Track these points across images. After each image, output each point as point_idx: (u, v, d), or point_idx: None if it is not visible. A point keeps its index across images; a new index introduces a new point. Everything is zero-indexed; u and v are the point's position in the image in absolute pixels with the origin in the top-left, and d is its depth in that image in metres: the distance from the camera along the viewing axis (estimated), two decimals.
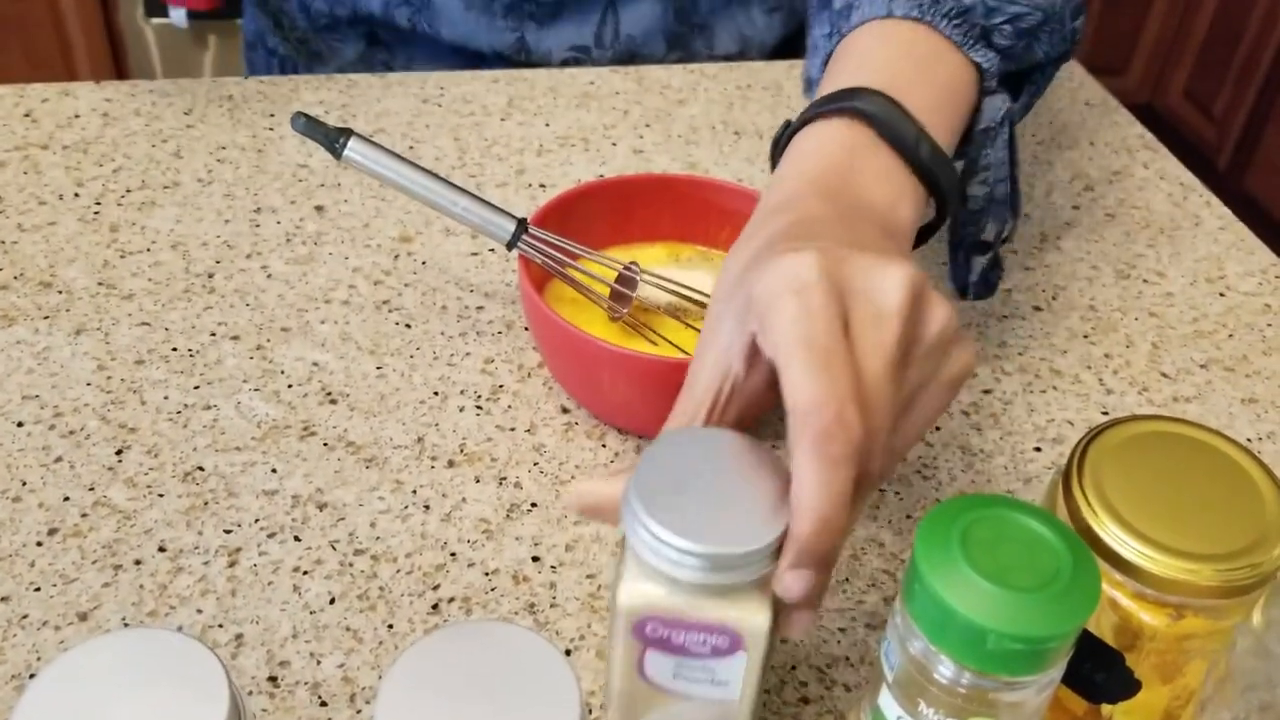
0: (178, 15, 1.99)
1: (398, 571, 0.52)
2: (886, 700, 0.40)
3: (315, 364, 0.63)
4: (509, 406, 0.61)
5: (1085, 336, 0.69)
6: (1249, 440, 0.63)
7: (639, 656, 0.40)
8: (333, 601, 0.51)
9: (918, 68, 0.51)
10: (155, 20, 2.02)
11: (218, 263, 0.69)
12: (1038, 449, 0.61)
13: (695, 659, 0.39)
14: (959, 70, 0.52)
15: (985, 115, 0.54)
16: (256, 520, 0.54)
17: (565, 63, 0.89)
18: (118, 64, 2.05)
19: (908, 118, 0.48)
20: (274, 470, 0.57)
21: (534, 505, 0.56)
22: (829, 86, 0.51)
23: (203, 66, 2.09)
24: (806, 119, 0.49)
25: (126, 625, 0.49)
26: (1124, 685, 0.44)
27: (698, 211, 0.65)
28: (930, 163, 0.48)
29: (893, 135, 0.47)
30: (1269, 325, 0.71)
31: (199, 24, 2.02)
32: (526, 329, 0.66)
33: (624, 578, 0.39)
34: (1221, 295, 0.73)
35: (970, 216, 0.56)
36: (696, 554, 0.36)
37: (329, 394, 0.61)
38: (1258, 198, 2.27)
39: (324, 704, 0.47)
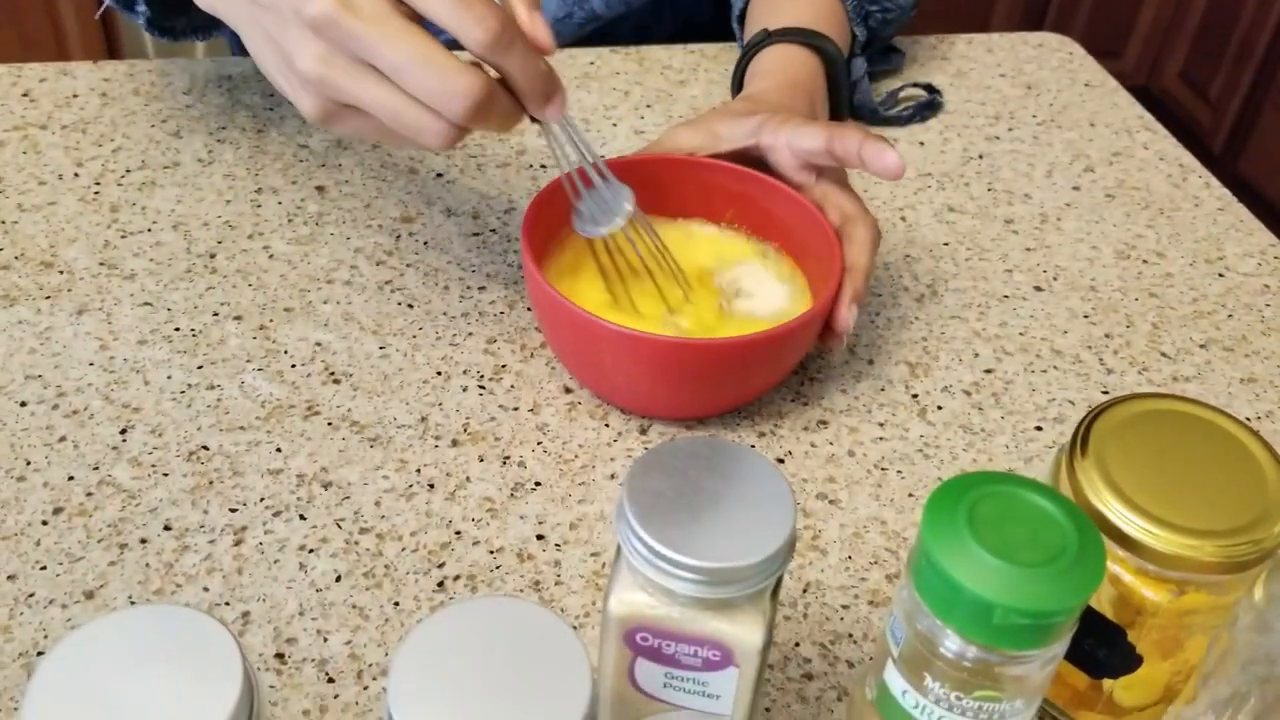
0: None
1: (403, 550, 0.53)
2: (892, 675, 0.40)
3: (318, 344, 0.63)
4: (512, 386, 0.61)
5: (1086, 317, 0.69)
6: (1248, 419, 0.63)
7: (630, 664, 0.40)
8: (339, 579, 0.51)
9: (831, 22, 0.76)
10: None
11: (219, 243, 0.69)
12: (1039, 428, 0.61)
13: (686, 670, 0.39)
14: (846, 31, 0.78)
15: (855, 70, 0.80)
16: (262, 499, 0.54)
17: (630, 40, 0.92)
18: (110, 45, 2.04)
19: (843, 58, 0.75)
20: (278, 449, 0.57)
21: (538, 484, 0.56)
22: (773, 14, 0.76)
23: (196, 48, 2.07)
24: (776, 40, 0.73)
25: (133, 603, 0.50)
26: (1125, 660, 0.44)
27: (703, 192, 0.65)
28: (841, 86, 0.75)
29: (834, 71, 0.74)
30: (1268, 305, 0.71)
31: None
32: (529, 309, 0.66)
33: (616, 586, 0.39)
34: (1221, 276, 0.73)
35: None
36: (691, 567, 0.36)
37: (332, 374, 0.61)
38: (1253, 181, 2.27)
39: (331, 680, 0.47)
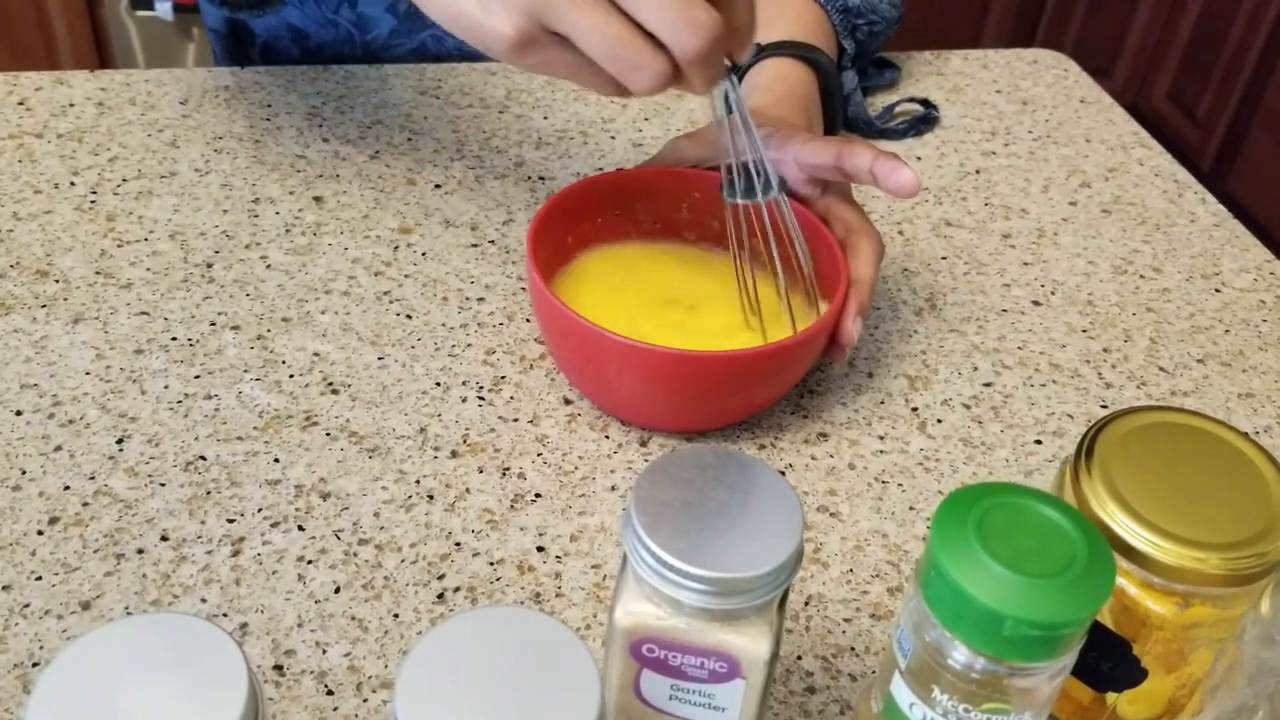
0: (163, 8, 1.98)
1: (402, 561, 0.52)
2: (899, 687, 0.40)
3: (316, 354, 0.62)
4: (511, 397, 0.61)
5: (1084, 331, 0.69)
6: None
7: (635, 676, 0.39)
8: (338, 591, 0.51)
9: (820, 35, 0.76)
10: (140, 13, 2.00)
11: (216, 253, 0.68)
12: (1038, 441, 0.61)
13: (692, 682, 0.39)
14: (834, 44, 0.79)
15: (846, 83, 0.80)
16: (260, 510, 0.54)
17: None
18: (101, 56, 2.04)
19: (836, 71, 0.75)
20: (276, 460, 0.56)
21: (538, 496, 0.56)
22: (762, 29, 0.72)
23: (186, 59, 2.07)
24: (769, 54, 0.73)
25: (130, 614, 0.49)
26: (1130, 674, 0.44)
27: (704, 205, 0.65)
28: (834, 99, 0.76)
29: (828, 83, 0.74)
30: (1264, 321, 0.71)
31: (183, 16, 2.01)
32: (528, 320, 0.66)
33: (622, 597, 0.38)
34: (1217, 291, 0.73)
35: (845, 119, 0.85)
36: (699, 578, 0.36)
37: (330, 384, 0.61)
38: (1241, 200, 2.28)
39: (330, 693, 0.47)
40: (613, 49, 0.46)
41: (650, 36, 0.46)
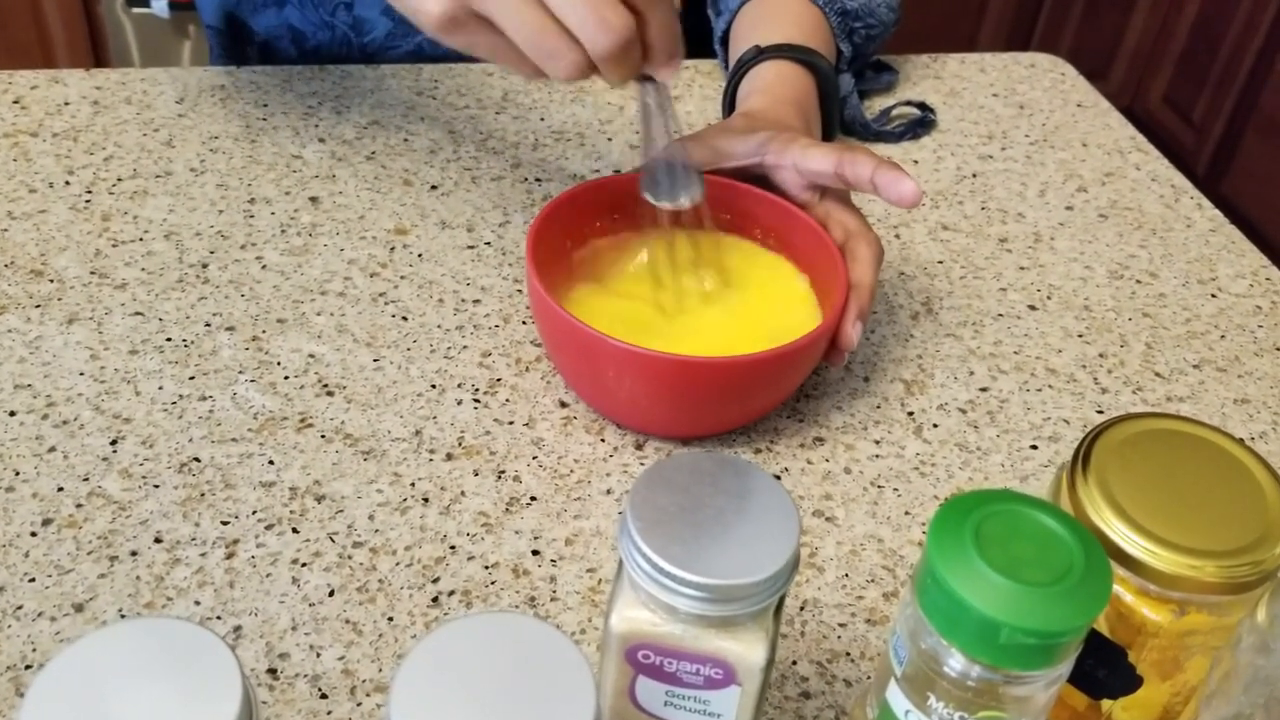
0: (159, 5, 1.97)
1: (397, 564, 0.52)
2: (895, 695, 0.40)
3: (312, 356, 0.62)
4: (507, 400, 0.61)
5: (1080, 336, 0.69)
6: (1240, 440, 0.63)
7: (630, 682, 0.39)
8: (332, 594, 0.51)
9: (817, 38, 0.77)
10: (136, 10, 2.00)
11: (212, 253, 0.68)
12: (1034, 447, 0.61)
13: (687, 689, 0.39)
14: (832, 47, 0.79)
15: (843, 86, 0.81)
16: (254, 512, 0.54)
17: None
18: (97, 54, 2.03)
19: (834, 75, 0.76)
20: (271, 462, 0.56)
21: (533, 499, 0.56)
22: (761, 31, 0.76)
23: (182, 56, 2.07)
24: (769, 56, 0.73)
25: (124, 616, 0.49)
26: (1126, 681, 0.44)
27: (707, 208, 0.65)
28: (832, 102, 0.76)
29: (826, 87, 0.75)
30: (1260, 326, 0.71)
31: (179, 14, 2.00)
32: (524, 323, 0.65)
33: (618, 602, 0.38)
34: (1213, 296, 0.73)
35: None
36: (695, 584, 0.36)
37: (326, 386, 0.61)
38: (1236, 203, 2.28)
39: (324, 696, 0.47)
40: (533, 36, 0.49)
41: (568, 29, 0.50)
